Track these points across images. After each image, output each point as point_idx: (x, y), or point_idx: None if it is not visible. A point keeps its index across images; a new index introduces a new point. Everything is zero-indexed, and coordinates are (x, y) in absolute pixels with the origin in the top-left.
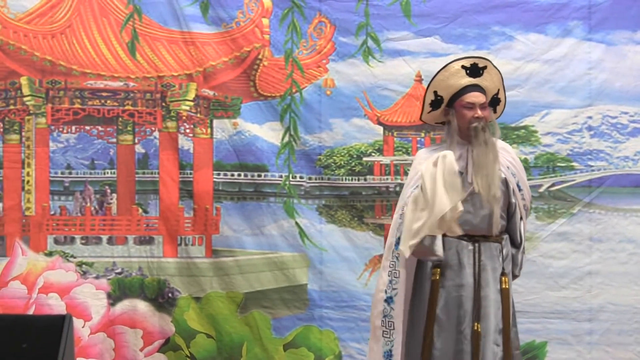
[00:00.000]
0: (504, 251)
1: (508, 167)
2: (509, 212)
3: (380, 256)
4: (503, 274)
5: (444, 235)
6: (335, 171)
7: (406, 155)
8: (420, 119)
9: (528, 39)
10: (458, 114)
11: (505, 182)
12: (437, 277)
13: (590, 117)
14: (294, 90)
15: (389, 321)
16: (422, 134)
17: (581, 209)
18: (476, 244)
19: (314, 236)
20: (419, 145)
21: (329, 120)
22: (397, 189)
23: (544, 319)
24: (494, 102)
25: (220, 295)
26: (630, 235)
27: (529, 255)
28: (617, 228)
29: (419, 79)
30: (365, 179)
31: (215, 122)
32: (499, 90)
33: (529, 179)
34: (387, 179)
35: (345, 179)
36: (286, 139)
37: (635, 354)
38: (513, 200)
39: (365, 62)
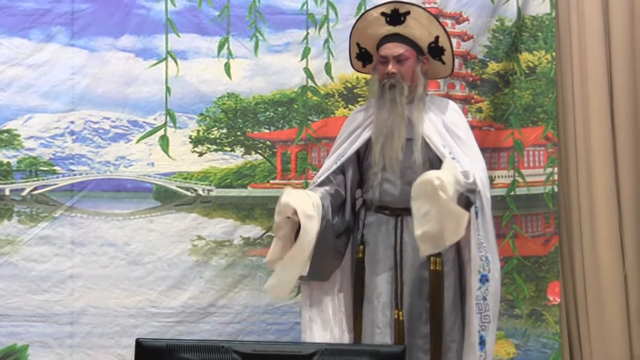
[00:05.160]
0: None
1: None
2: None
3: None
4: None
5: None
6: None
7: None
8: (354, 69)
9: (12, 43)
10: (376, 69)
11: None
12: (361, 255)
13: (72, 122)
14: None
15: None
16: None
17: (63, 213)
18: (398, 218)
19: None
20: None
21: None
22: None
23: (26, 322)
24: (436, 51)
25: None
26: (112, 239)
27: (12, 259)
28: (99, 232)
29: None
30: None
31: None
32: (437, 37)
33: (11, 183)
34: None
35: None
36: None
37: (115, 356)
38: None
39: None
